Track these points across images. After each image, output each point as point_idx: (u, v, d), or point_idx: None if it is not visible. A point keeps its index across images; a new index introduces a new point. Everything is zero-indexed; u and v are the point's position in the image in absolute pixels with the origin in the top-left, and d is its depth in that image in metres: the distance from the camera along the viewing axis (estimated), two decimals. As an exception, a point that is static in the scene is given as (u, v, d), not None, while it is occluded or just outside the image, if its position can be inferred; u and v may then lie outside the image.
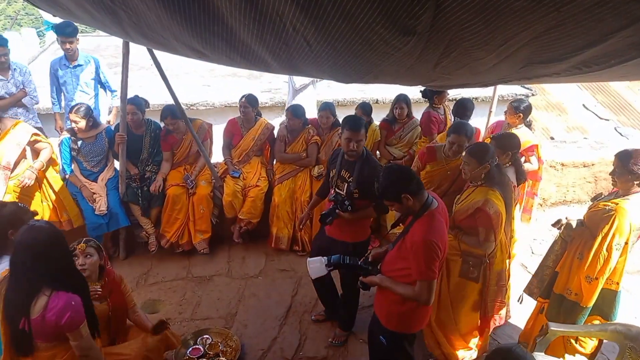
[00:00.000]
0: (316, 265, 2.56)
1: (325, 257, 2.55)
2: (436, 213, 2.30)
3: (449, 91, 4.84)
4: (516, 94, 8.05)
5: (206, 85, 8.45)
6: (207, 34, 1.49)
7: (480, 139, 4.47)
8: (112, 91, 5.01)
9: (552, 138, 8.50)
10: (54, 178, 4.02)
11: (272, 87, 8.35)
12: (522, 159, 3.88)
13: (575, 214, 3.03)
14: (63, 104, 4.93)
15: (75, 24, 4.41)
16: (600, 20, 1.05)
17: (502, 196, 2.79)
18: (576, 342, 3.02)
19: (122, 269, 4.07)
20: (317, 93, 6.31)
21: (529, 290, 3.23)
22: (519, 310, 3.62)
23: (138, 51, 3.91)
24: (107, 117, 5.14)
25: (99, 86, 4.95)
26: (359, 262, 2.53)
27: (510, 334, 3.51)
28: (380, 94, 7.81)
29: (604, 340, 2.94)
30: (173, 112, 4.13)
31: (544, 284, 3.13)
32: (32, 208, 3.16)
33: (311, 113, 5.27)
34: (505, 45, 1.29)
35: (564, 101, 10.38)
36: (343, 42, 1.39)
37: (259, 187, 4.44)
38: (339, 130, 4.21)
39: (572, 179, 5.57)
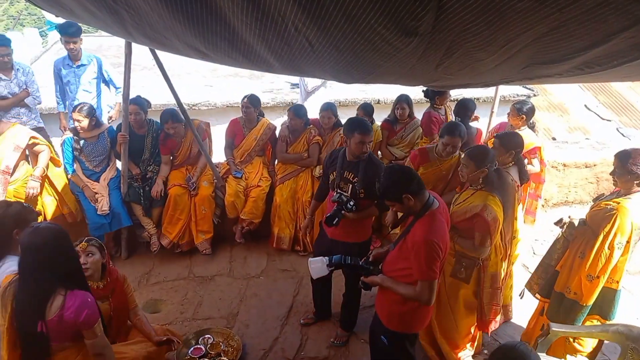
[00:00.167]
0: (317, 266, 2.57)
1: (326, 257, 2.56)
2: (437, 213, 2.30)
3: (451, 92, 4.83)
4: (518, 94, 8.04)
5: (208, 85, 8.46)
6: (209, 33, 1.49)
7: (482, 140, 4.47)
8: (116, 88, 5.02)
9: (553, 138, 8.48)
10: (54, 174, 4.00)
11: (274, 88, 8.35)
12: (525, 162, 3.87)
13: (577, 214, 3.03)
14: (67, 103, 4.94)
15: (79, 24, 4.42)
16: (602, 21, 1.05)
17: (500, 201, 2.78)
18: (574, 341, 3.03)
19: (124, 268, 4.07)
20: (327, 94, 6.28)
21: (529, 285, 3.26)
22: (520, 310, 3.63)
23: (140, 51, 3.91)
24: (110, 112, 5.15)
25: (101, 85, 4.96)
26: (360, 262, 2.53)
27: (512, 334, 3.51)
28: (382, 94, 7.81)
29: (606, 341, 2.93)
30: (173, 115, 4.12)
31: (543, 281, 3.15)
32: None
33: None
34: (507, 46, 1.29)
35: (565, 102, 10.35)
36: (345, 43, 1.39)
37: (260, 187, 4.45)
38: (340, 131, 4.21)
39: (573, 180, 5.56)
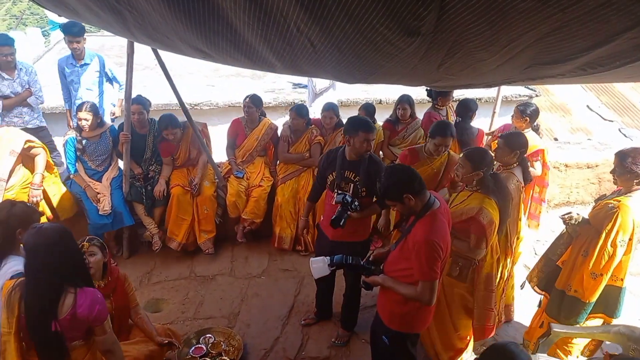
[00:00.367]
0: (319, 265, 2.56)
1: (328, 257, 2.55)
2: (438, 213, 2.30)
3: (454, 92, 4.82)
4: (520, 95, 8.03)
5: (210, 85, 8.47)
6: (211, 34, 1.49)
7: (485, 141, 4.46)
8: (119, 84, 5.02)
9: (555, 139, 8.46)
10: (47, 183, 3.87)
11: (275, 87, 8.36)
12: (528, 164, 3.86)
13: (581, 213, 3.04)
14: (72, 101, 4.95)
15: (82, 23, 4.43)
16: (605, 21, 1.05)
17: (497, 204, 2.79)
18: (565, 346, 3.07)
19: (125, 268, 4.08)
20: (335, 95, 6.26)
21: (530, 277, 3.29)
22: (522, 309, 3.62)
23: (143, 51, 3.92)
24: (113, 109, 5.15)
25: (104, 84, 4.97)
26: (362, 262, 2.53)
27: (513, 335, 3.50)
28: (384, 94, 7.81)
29: (607, 342, 2.94)
30: (171, 121, 4.10)
31: (543, 274, 3.17)
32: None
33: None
34: (509, 47, 1.29)
35: (568, 102, 10.34)
36: (347, 43, 1.39)
37: (262, 187, 4.45)
38: (342, 131, 4.21)
39: (575, 180, 5.55)
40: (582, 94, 10.58)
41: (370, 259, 2.62)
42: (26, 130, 4.34)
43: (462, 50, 1.37)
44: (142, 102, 4.17)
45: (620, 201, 2.74)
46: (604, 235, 2.73)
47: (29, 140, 3.67)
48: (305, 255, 4.47)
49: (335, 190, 3.05)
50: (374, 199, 3.08)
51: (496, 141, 3.56)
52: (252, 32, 1.42)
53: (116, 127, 4.28)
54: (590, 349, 3.14)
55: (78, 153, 4.07)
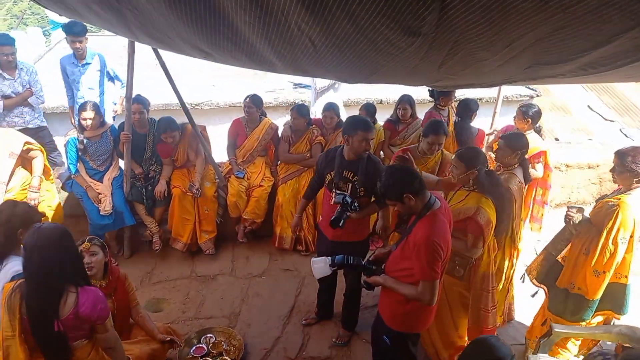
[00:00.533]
0: (320, 265, 2.56)
1: (329, 257, 2.55)
2: (439, 213, 2.30)
3: (455, 93, 4.82)
4: (521, 95, 8.01)
5: (211, 85, 8.46)
6: (212, 33, 1.49)
7: (487, 142, 4.46)
8: (121, 82, 5.01)
9: (556, 139, 8.45)
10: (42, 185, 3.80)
11: (276, 87, 8.35)
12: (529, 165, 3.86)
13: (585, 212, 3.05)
14: (75, 100, 4.95)
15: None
16: (606, 21, 1.05)
17: (494, 203, 2.79)
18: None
19: (126, 267, 4.08)
20: (338, 95, 6.23)
21: (529, 269, 3.30)
22: (523, 309, 3.62)
23: (143, 51, 3.91)
24: (115, 107, 5.15)
25: (104, 83, 4.97)
26: (363, 262, 2.53)
27: (514, 335, 3.50)
28: (384, 94, 7.80)
29: (609, 342, 2.94)
30: (169, 125, 4.10)
31: (543, 268, 3.19)
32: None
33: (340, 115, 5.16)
34: (510, 47, 1.29)
35: (568, 102, 10.32)
36: (348, 43, 1.39)
37: (263, 187, 4.45)
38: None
39: (577, 180, 5.55)
40: (583, 94, 10.56)
41: (371, 259, 2.62)
42: (27, 130, 4.36)
43: (463, 50, 1.37)
44: (142, 102, 4.18)
45: (620, 199, 2.76)
46: (604, 233, 2.75)
47: (27, 142, 3.64)
48: (306, 255, 4.47)
49: (334, 190, 3.04)
50: (373, 199, 3.09)
51: (497, 142, 3.55)
52: (253, 31, 1.42)
53: (116, 126, 4.29)
54: (589, 347, 3.15)
55: (79, 153, 4.07)
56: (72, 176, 4.15)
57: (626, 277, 2.86)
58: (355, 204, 2.88)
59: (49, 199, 3.83)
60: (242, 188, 4.41)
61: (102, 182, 4.16)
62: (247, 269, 4.32)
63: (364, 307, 3.55)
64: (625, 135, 8.82)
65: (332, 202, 2.97)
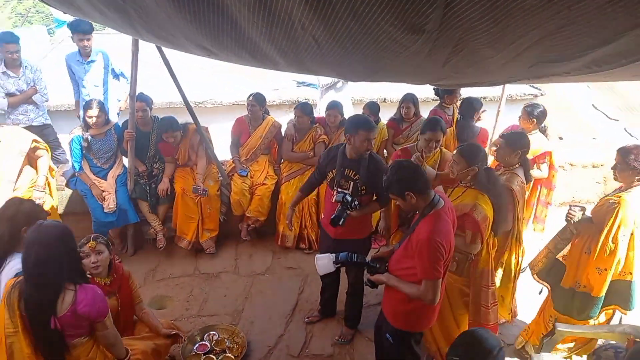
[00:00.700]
0: (324, 262, 2.57)
1: (333, 254, 2.56)
2: (442, 213, 2.30)
3: (460, 91, 4.80)
4: (525, 94, 7.97)
5: (214, 83, 8.46)
6: (216, 31, 1.49)
7: (489, 141, 4.44)
8: (126, 79, 5.01)
9: (560, 138, 8.42)
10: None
11: (279, 86, 8.35)
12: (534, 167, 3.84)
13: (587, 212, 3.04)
14: (80, 97, 4.96)
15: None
16: (612, 18, 1.04)
17: (490, 200, 2.80)
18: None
19: (130, 265, 4.09)
20: (345, 93, 6.22)
21: (532, 264, 3.32)
22: (524, 309, 3.62)
23: (147, 49, 3.92)
24: (119, 103, 5.16)
25: (109, 80, 4.98)
26: (367, 260, 2.53)
27: (516, 335, 3.49)
28: (388, 92, 7.78)
29: (612, 342, 2.93)
30: (171, 125, 4.12)
31: (544, 265, 3.20)
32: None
33: (348, 112, 5.15)
34: (515, 44, 1.28)
35: (572, 101, 10.28)
36: (351, 41, 1.38)
37: (266, 185, 4.46)
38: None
39: (581, 180, 5.52)
40: (587, 93, 10.51)
41: (375, 256, 2.62)
42: (31, 127, 4.38)
43: (467, 47, 1.36)
44: (145, 100, 4.19)
45: (620, 197, 2.77)
46: (605, 230, 2.76)
47: (35, 140, 3.71)
48: (309, 253, 4.47)
49: (335, 188, 3.05)
50: (374, 197, 3.09)
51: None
52: (257, 29, 1.42)
53: (120, 124, 4.30)
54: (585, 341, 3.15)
55: (84, 151, 4.09)
56: (76, 174, 4.16)
57: (631, 274, 2.87)
58: (356, 203, 2.89)
59: (47, 200, 3.84)
60: (246, 186, 4.42)
61: (106, 180, 4.17)
62: (250, 266, 4.33)
63: (367, 305, 3.55)
64: (630, 134, 8.78)
65: (333, 200, 2.98)
